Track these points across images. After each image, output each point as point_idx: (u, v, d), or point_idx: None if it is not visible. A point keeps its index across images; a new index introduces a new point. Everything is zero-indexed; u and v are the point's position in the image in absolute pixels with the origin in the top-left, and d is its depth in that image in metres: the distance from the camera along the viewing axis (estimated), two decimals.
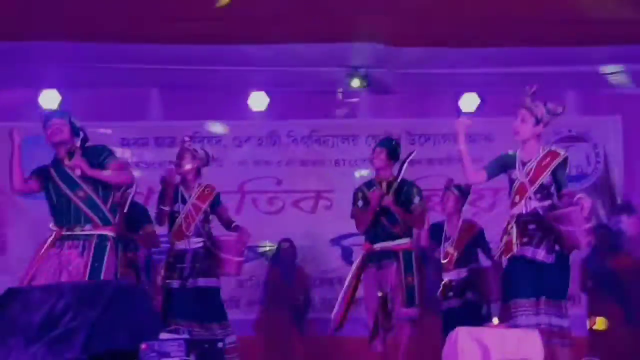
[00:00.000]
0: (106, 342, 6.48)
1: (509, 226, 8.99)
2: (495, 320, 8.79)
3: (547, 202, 8.95)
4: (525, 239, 8.88)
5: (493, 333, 7.64)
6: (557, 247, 8.85)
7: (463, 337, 7.35)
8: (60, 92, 12.97)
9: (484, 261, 11.36)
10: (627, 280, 12.71)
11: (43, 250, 8.79)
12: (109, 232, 8.82)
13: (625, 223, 13.31)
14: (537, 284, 8.87)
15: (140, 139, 13.36)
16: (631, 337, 12.03)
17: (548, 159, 8.99)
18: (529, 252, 8.86)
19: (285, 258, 13.15)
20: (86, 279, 8.55)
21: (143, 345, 6.36)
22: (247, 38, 11.78)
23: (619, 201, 13.40)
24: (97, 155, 9.04)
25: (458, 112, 13.57)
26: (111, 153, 9.19)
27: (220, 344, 6.73)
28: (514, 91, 9.27)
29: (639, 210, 13.26)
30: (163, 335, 6.62)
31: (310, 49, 12.16)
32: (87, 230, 8.79)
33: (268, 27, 11.39)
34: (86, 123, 9.04)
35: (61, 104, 12.81)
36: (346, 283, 10.78)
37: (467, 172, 9.19)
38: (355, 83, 13.18)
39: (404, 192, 10.63)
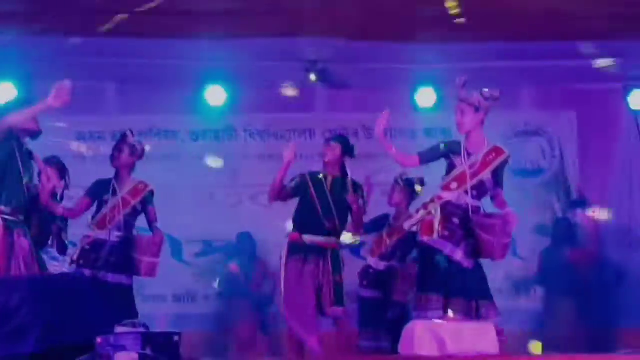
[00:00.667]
0: (61, 336, 6.47)
1: (433, 207, 9.05)
2: (450, 314, 8.79)
3: (477, 203, 9.08)
4: (446, 232, 8.95)
5: (450, 326, 7.66)
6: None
7: (420, 329, 7.37)
8: (16, 86, 12.94)
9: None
10: (582, 274, 12.80)
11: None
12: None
13: (580, 217, 13.43)
14: (447, 279, 9.01)
15: (96, 132, 13.34)
16: (583, 331, 12.03)
17: (493, 154, 9.12)
18: (447, 248, 8.94)
19: (244, 250, 13.17)
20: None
21: (99, 339, 6.34)
22: (204, 32, 11.80)
23: (574, 195, 13.46)
24: None
25: (415, 107, 13.64)
26: None
27: (176, 337, 6.68)
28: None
29: (593, 204, 13.37)
30: (119, 329, 6.60)
31: (267, 43, 12.18)
32: None
33: (226, 22, 11.40)
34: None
35: (17, 97, 12.80)
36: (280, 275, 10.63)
37: (397, 157, 9.41)
38: (312, 77, 13.22)
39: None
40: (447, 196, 9.00)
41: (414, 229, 9.28)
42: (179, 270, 12.17)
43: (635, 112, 13.68)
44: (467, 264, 8.97)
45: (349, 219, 10.58)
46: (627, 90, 13.61)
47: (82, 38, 11.72)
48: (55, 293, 6.92)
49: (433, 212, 8.96)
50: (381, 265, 11.37)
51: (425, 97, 13.57)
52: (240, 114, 13.78)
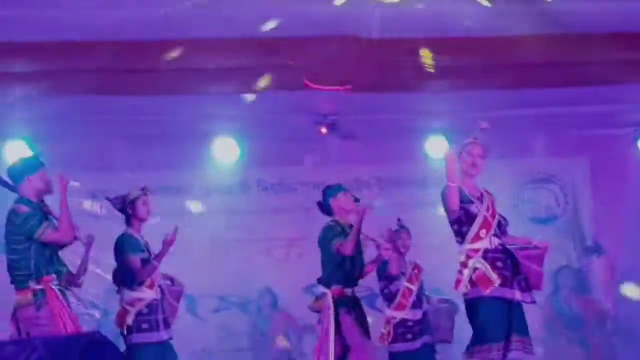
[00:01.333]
0: None
1: (476, 261, 9.01)
2: None
3: (499, 240, 9.11)
4: (499, 280, 8.92)
5: None
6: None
7: None
8: (27, 144, 12.98)
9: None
10: (590, 322, 12.82)
11: None
12: None
13: (596, 264, 13.43)
14: (507, 323, 8.99)
15: (108, 190, 13.35)
16: None
17: (491, 196, 9.24)
18: (507, 293, 8.95)
19: (265, 305, 13.20)
20: None
21: None
22: (215, 88, 11.86)
23: (588, 242, 13.46)
24: None
25: (425, 156, 13.68)
26: None
27: None
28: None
29: (607, 251, 13.37)
30: None
31: (278, 97, 12.21)
32: None
33: (238, 77, 11.46)
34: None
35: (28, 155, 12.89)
36: (324, 332, 10.36)
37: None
38: (323, 130, 13.25)
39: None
40: (481, 245, 9.03)
41: (465, 289, 9.20)
42: (194, 327, 12.10)
43: None
44: (528, 299, 9.10)
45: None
46: (637, 135, 13.61)
47: (93, 96, 11.76)
48: (73, 353, 6.93)
49: (479, 265, 8.98)
50: (418, 315, 11.33)
51: (436, 146, 13.59)
52: (253, 167, 13.79)
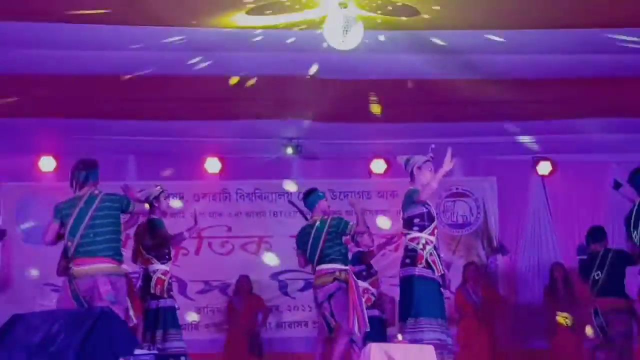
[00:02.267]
0: (92, 358, 6.42)
1: (430, 248, 9.05)
2: (400, 337, 8.71)
3: None
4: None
5: (399, 347, 7.60)
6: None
7: (375, 351, 7.31)
8: (55, 158, 12.97)
9: None
10: (493, 308, 12.91)
11: None
12: None
13: (500, 261, 13.54)
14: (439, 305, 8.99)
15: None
16: (494, 354, 11.98)
17: None
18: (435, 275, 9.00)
19: (242, 290, 13.17)
20: None
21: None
22: (204, 116, 11.87)
23: (494, 244, 13.55)
24: None
25: (370, 174, 13.72)
26: None
27: (182, 358, 6.64)
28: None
29: (510, 251, 13.50)
30: (137, 352, 6.53)
31: (253, 124, 12.23)
32: None
33: (221, 106, 11.45)
34: None
35: (56, 168, 12.85)
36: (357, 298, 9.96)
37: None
38: (289, 151, 13.26)
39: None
40: (434, 239, 9.11)
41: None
42: (183, 305, 11.99)
43: (542, 177, 13.84)
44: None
45: None
46: (535, 161, 13.74)
47: (108, 120, 11.76)
48: (91, 323, 6.87)
49: (433, 252, 9.10)
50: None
51: (378, 166, 13.62)
52: (233, 179, 13.78)
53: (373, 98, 11.05)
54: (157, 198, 10.09)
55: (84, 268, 8.48)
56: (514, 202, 13.94)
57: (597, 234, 11.23)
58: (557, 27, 9.16)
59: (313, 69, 10.18)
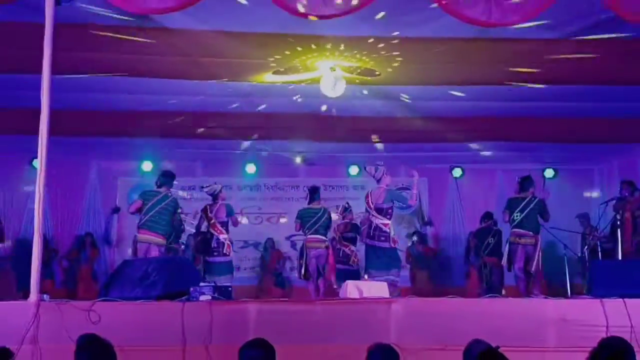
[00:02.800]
0: (173, 287, 6.46)
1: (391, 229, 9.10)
2: (366, 277, 8.74)
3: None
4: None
5: (365, 284, 7.61)
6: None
7: (350, 285, 7.30)
8: (152, 164, 13.04)
9: None
10: (430, 258, 12.91)
11: None
12: None
13: (429, 230, 13.54)
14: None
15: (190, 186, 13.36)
16: (433, 291, 11.94)
17: None
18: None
19: (267, 247, 13.18)
20: None
21: (191, 288, 6.34)
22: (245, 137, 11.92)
23: (426, 219, 13.53)
24: None
25: (348, 174, 13.74)
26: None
27: (230, 288, 6.66)
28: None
29: (435, 224, 13.46)
30: (202, 284, 6.55)
31: (276, 142, 12.28)
32: None
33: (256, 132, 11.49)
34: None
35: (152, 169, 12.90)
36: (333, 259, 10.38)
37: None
38: (298, 160, 13.27)
39: None
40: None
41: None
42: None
43: (455, 178, 13.77)
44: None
45: None
46: (451, 168, 13.72)
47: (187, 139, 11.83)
48: (172, 266, 6.93)
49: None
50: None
51: (353, 170, 13.56)
52: (263, 176, 13.74)
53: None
54: (220, 191, 10.06)
55: (144, 236, 8.79)
56: (438, 194, 13.87)
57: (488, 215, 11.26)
58: (465, 84, 9.21)
59: (323, 107, 10.20)
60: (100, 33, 7.45)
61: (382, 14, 7.15)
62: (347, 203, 11.41)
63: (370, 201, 9.21)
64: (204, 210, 10.10)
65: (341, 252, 10.86)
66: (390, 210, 9.18)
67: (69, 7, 6.44)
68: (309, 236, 10.19)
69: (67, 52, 6.86)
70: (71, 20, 6.75)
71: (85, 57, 8.06)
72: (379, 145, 12.21)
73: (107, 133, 10.96)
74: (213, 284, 6.64)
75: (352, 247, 10.96)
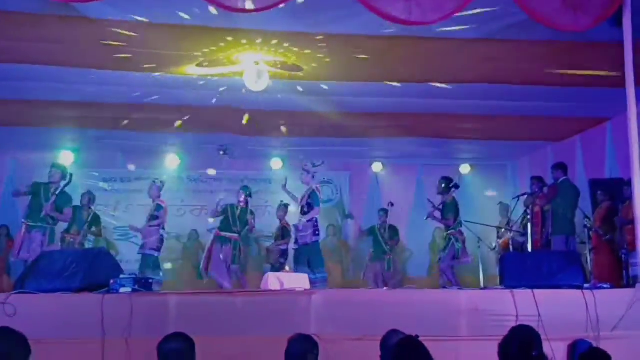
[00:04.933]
0: (93, 279, 6.33)
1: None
2: (287, 268, 8.79)
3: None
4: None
5: (286, 275, 7.64)
6: None
7: (271, 277, 7.32)
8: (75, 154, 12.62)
9: None
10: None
11: None
12: None
13: (349, 224, 13.64)
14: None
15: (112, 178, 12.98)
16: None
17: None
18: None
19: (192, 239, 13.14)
20: None
21: (112, 280, 6.21)
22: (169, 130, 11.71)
23: (347, 213, 13.63)
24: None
25: (270, 168, 13.69)
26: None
27: (151, 280, 6.55)
28: None
29: (356, 217, 13.52)
30: (122, 276, 6.42)
31: (199, 136, 12.12)
32: None
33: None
34: None
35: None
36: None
37: None
38: (222, 153, 13.01)
39: None
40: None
41: None
42: None
43: (376, 173, 13.91)
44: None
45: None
46: (371, 163, 13.87)
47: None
48: (92, 257, 6.77)
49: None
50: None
51: (275, 163, 13.59)
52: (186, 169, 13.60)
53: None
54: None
55: None
56: (359, 188, 14.00)
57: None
58: (387, 80, 9.30)
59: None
60: (21, 21, 7.19)
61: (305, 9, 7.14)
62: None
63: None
64: None
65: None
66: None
67: None
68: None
69: None
70: None
71: (3, 44, 7.76)
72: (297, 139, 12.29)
73: (24, 123, 10.59)
74: (134, 276, 6.52)
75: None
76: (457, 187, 10.45)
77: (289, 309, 6.02)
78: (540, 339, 3.85)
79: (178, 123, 11.02)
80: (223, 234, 10.37)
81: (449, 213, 10.10)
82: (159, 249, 10.30)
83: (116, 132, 11.52)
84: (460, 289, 7.28)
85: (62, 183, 9.13)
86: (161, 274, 10.39)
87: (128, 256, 11.90)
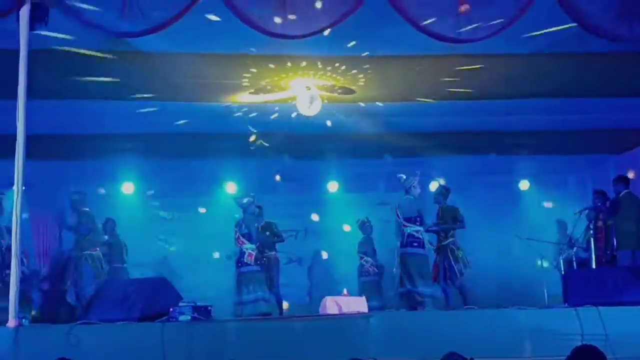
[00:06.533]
0: (152, 308, 6.45)
1: None
2: (345, 291, 8.73)
3: None
4: None
5: (344, 299, 7.59)
6: None
7: (329, 301, 7.28)
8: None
9: None
10: None
11: None
12: None
13: None
14: None
15: None
16: None
17: None
18: None
19: None
20: None
21: (171, 309, 6.29)
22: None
23: None
24: None
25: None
26: None
27: (209, 307, 6.60)
28: None
29: None
30: (181, 304, 6.49)
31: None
32: None
33: None
34: None
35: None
36: None
37: None
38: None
39: None
40: None
41: None
42: None
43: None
44: None
45: None
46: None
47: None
48: (152, 286, 6.89)
49: None
50: None
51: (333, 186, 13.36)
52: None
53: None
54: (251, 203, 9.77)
55: None
56: None
57: None
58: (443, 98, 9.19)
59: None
60: (79, 59, 7.39)
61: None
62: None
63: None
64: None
65: None
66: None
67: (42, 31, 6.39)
68: None
69: (43, 77, 6.79)
70: (45, 45, 6.69)
71: (60, 81, 7.97)
72: None
73: (87, 157, 10.86)
74: (192, 304, 6.58)
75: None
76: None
77: (347, 333, 6.00)
78: (604, 358, 3.71)
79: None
80: None
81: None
82: None
83: (174, 162, 11.68)
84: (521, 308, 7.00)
85: None
86: None
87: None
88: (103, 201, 12.43)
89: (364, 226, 10.98)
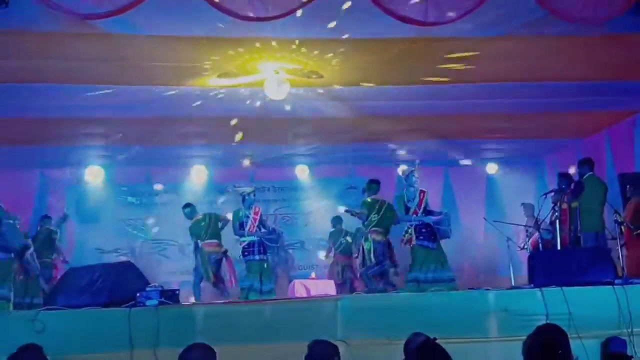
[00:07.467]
0: (119, 293, 6.39)
1: None
2: (313, 275, 8.75)
3: None
4: None
5: (312, 282, 7.63)
6: None
7: (297, 284, 7.31)
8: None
9: None
10: None
11: None
12: None
13: None
14: None
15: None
16: None
17: None
18: None
19: None
20: None
21: (138, 293, 6.26)
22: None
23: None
24: None
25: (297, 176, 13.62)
26: None
27: (177, 291, 6.58)
28: None
29: None
30: (148, 288, 6.47)
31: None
32: None
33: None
34: None
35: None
36: None
37: None
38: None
39: None
40: None
41: None
42: None
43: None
44: None
45: None
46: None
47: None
48: (118, 271, 6.84)
49: None
50: None
51: (301, 170, 13.52)
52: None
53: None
54: (250, 193, 9.67)
55: None
56: (386, 193, 13.63)
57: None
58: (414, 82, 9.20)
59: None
60: (40, 40, 7.27)
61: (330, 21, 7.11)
62: None
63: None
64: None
65: None
66: None
67: (3, 13, 6.27)
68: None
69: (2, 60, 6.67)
70: (5, 27, 6.57)
71: (17, 64, 7.84)
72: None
73: (50, 140, 10.70)
74: (160, 288, 6.55)
75: None
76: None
77: (315, 315, 6.02)
78: (566, 337, 3.77)
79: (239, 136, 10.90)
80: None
81: None
82: None
83: (142, 147, 11.58)
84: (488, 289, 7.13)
85: None
86: None
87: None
88: (69, 187, 12.42)
89: (336, 220, 11.08)
